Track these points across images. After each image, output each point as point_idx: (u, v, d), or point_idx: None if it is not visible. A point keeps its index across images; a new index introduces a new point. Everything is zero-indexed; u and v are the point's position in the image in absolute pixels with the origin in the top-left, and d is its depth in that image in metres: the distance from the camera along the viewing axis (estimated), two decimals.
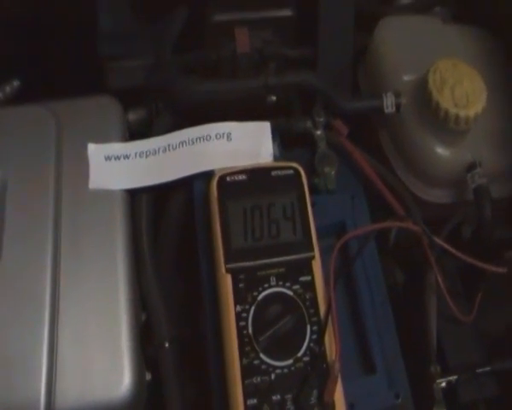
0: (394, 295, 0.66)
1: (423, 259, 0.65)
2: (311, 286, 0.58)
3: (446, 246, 0.63)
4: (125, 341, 0.56)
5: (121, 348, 0.56)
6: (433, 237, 0.63)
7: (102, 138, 0.65)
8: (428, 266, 0.65)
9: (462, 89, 0.67)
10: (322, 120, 0.70)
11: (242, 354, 0.55)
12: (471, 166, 0.68)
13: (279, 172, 0.62)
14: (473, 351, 0.66)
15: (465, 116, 0.66)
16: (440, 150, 0.69)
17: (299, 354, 0.55)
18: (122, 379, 0.55)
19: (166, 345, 0.61)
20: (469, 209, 0.69)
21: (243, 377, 0.54)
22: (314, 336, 0.56)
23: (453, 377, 0.63)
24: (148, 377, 0.59)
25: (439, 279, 0.64)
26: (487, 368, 0.64)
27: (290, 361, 0.55)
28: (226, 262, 0.58)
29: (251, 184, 0.61)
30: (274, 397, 0.54)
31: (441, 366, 0.63)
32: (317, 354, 0.55)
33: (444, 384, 0.63)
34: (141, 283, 0.62)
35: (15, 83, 0.71)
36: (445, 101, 0.67)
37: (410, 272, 0.72)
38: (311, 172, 0.67)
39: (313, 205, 0.62)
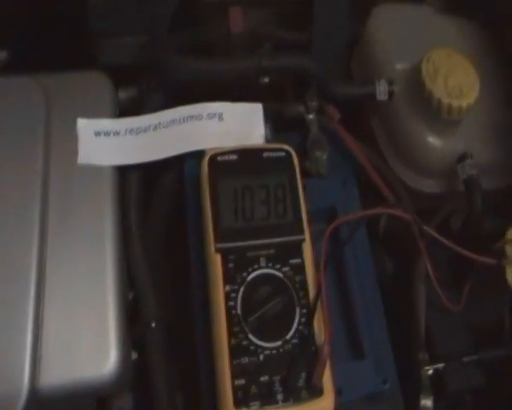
0: (383, 283, 0.66)
1: (413, 247, 0.64)
2: (301, 269, 0.57)
3: (436, 235, 0.63)
4: (112, 319, 0.56)
5: (108, 325, 0.55)
6: (423, 226, 0.63)
7: (92, 114, 0.63)
8: (418, 255, 0.65)
9: (456, 79, 0.67)
10: (314, 104, 0.69)
11: (231, 334, 0.54)
12: (462, 157, 0.67)
13: (271, 154, 0.61)
14: (461, 340, 0.65)
15: (458, 106, 0.66)
16: (432, 140, 0.69)
17: (288, 337, 0.55)
18: (108, 357, 0.54)
19: (153, 325, 0.60)
20: (460, 200, 0.69)
21: (231, 358, 0.53)
22: (303, 319, 0.55)
23: (440, 365, 0.63)
24: (135, 356, 0.58)
25: (429, 268, 0.63)
26: (474, 357, 0.64)
27: (279, 343, 0.54)
28: (216, 242, 0.57)
29: (242, 164, 0.61)
30: (262, 378, 0.53)
31: (429, 354, 0.63)
32: (306, 337, 0.55)
33: (431, 372, 0.62)
34: (129, 261, 0.62)
35: (2, 54, 0.70)
36: (438, 90, 0.66)
37: (399, 261, 0.72)
38: (303, 157, 0.66)
39: (304, 189, 0.61)
